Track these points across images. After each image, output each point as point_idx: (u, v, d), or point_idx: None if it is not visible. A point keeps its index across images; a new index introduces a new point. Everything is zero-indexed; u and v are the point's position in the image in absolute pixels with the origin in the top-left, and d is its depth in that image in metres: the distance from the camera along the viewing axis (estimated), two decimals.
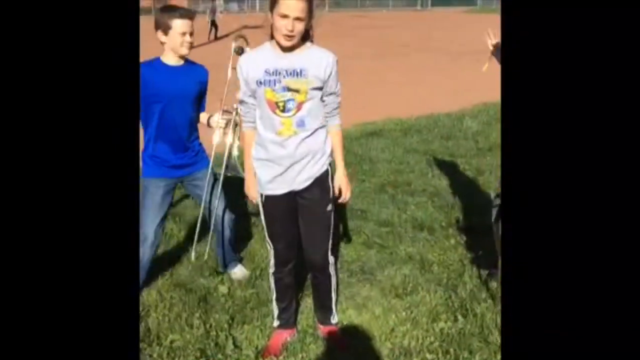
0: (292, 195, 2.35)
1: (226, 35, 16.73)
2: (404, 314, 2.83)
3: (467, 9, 33.15)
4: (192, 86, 2.83)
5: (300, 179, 2.31)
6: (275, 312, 2.62)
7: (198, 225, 3.08)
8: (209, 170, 2.95)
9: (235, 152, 2.92)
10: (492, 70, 2.91)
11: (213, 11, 18.36)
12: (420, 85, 9.98)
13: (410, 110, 7.53)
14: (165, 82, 2.72)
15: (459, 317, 2.80)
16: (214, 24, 18.00)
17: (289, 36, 2.10)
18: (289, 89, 2.19)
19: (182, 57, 2.79)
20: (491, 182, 4.66)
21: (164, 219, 2.92)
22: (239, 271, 3.24)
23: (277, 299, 2.60)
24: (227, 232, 3.12)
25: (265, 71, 2.19)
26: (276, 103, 2.20)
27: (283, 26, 2.08)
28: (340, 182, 2.41)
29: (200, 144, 2.99)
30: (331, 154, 2.37)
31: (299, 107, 2.21)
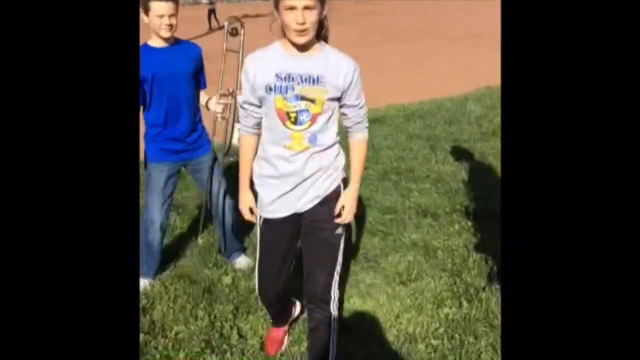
0: (295, 219, 2.04)
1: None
2: (408, 300, 2.83)
3: None
4: (185, 64, 2.82)
5: (306, 199, 2.01)
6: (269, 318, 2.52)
7: (203, 209, 3.13)
8: (210, 155, 2.97)
9: (235, 138, 2.87)
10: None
11: (211, 1, 18.32)
12: (422, 71, 9.91)
13: (413, 96, 7.48)
14: (156, 64, 2.70)
15: (464, 302, 2.79)
16: (213, 13, 17.95)
17: (301, 30, 1.80)
18: (303, 98, 1.89)
19: (166, 39, 2.75)
20: (496, 166, 4.63)
21: (169, 201, 2.98)
22: (242, 260, 3.23)
23: (269, 314, 2.48)
24: (227, 218, 3.12)
25: (277, 75, 1.88)
26: (287, 113, 1.90)
27: (292, 20, 1.79)
28: (347, 201, 2.04)
29: (203, 127, 2.99)
30: (344, 169, 2.07)
31: (313, 119, 1.91)
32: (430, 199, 4.12)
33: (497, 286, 2.91)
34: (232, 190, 3.14)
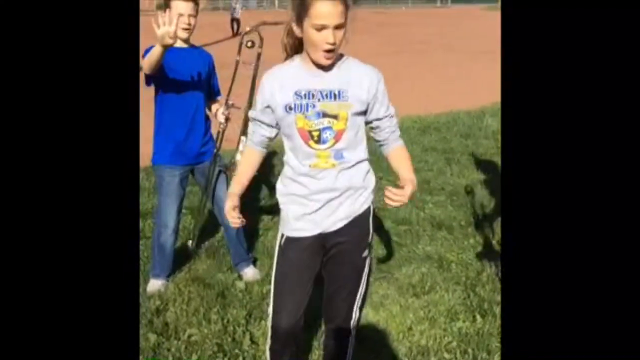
0: (320, 240, 1.89)
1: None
2: (421, 312, 2.82)
3: (487, 6, 32.85)
4: (199, 68, 2.84)
5: (334, 218, 1.87)
6: None
7: (199, 214, 3.16)
8: (216, 161, 2.98)
9: (239, 154, 2.82)
10: None
11: (233, 9, 18.52)
12: (439, 83, 9.91)
13: (429, 108, 7.48)
14: (174, 64, 2.71)
15: (478, 316, 2.77)
16: (236, 21, 18.11)
17: (329, 51, 1.70)
18: (325, 115, 1.77)
19: (183, 40, 2.76)
20: None
21: (181, 204, 3.00)
22: (250, 271, 3.16)
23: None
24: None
25: (296, 93, 1.78)
26: (309, 132, 1.79)
27: (322, 40, 1.67)
28: (410, 183, 1.85)
29: (211, 134, 3.02)
30: (373, 190, 1.95)
31: (337, 137, 1.79)
32: (445, 211, 4.11)
33: None
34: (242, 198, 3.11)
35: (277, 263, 1.97)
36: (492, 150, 5.68)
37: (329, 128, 1.79)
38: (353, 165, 1.85)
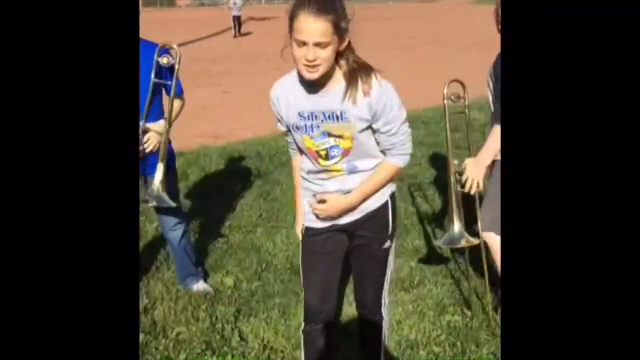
0: (337, 231, 1.95)
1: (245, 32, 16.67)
2: (410, 307, 2.82)
3: (475, 0, 32.93)
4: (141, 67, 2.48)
5: (346, 213, 1.92)
6: None
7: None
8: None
9: (157, 181, 2.64)
10: None
11: (234, 3, 18.23)
12: (427, 77, 9.92)
13: (417, 102, 7.48)
14: None
15: (466, 310, 2.78)
16: (237, 19, 17.87)
17: (310, 67, 1.66)
18: (331, 135, 1.79)
19: None
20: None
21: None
22: (200, 286, 2.96)
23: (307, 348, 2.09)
24: (174, 236, 2.86)
25: (300, 115, 1.79)
26: (317, 152, 1.81)
27: (302, 56, 1.64)
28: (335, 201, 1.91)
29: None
30: (391, 185, 1.97)
31: (345, 153, 1.82)
32: (433, 205, 4.12)
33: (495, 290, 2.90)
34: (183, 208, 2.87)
35: (302, 249, 2.04)
36: (479, 143, 5.64)
37: (336, 147, 1.81)
38: (367, 171, 1.88)
